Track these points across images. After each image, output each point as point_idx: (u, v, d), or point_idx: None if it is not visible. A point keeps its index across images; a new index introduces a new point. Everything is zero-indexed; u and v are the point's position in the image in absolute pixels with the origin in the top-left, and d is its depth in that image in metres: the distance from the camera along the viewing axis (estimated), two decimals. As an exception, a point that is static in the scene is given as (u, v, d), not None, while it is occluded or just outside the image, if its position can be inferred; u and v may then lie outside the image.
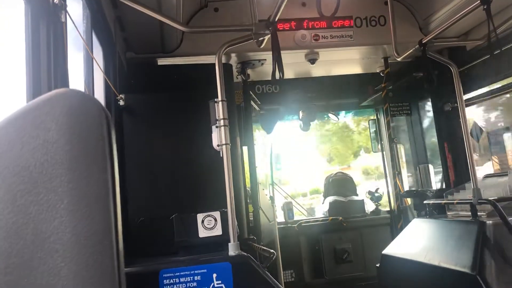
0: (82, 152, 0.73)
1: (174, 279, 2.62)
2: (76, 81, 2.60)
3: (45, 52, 1.50)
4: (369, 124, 6.41)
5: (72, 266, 0.70)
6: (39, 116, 0.73)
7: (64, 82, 1.56)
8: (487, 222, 3.11)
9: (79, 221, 0.69)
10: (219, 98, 2.92)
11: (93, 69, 2.74)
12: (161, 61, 4.20)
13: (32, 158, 0.72)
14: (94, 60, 2.61)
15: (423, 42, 3.92)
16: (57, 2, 1.66)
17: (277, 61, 3.07)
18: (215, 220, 2.97)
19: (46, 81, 1.46)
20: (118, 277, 0.76)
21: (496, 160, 4.71)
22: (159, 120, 3.63)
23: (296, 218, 6.07)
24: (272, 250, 3.25)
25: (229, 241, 2.76)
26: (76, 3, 2.55)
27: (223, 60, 3.14)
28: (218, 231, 2.95)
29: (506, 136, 4.59)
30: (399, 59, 4.21)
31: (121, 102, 3.43)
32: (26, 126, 0.73)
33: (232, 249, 2.74)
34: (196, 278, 2.65)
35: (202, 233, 2.95)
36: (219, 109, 2.92)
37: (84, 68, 2.67)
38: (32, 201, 0.70)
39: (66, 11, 1.77)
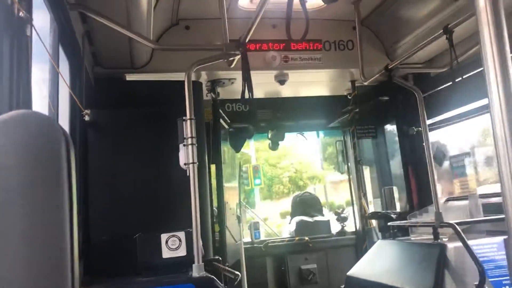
0: (39, 178, 0.70)
1: (135, 302, 2.55)
2: (40, 95, 2.53)
3: (8, 67, 1.45)
4: (336, 145, 6.49)
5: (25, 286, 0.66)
6: (-4, 138, 0.70)
7: (27, 98, 1.51)
8: (448, 245, 3.18)
9: (34, 248, 0.66)
10: (188, 116, 2.90)
11: (59, 83, 2.67)
12: (130, 77, 4.15)
13: (-14, 182, 0.69)
14: (59, 74, 2.55)
15: (389, 67, 4.03)
16: (22, 16, 1.61)
17: (247, 81, 3.09)
18: (180, 240, 2.92)
19: (8, 97, 1.41)
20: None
21: (458, 184, 4.84)
22: (125, 137, 3.57)
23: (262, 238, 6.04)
24: (237, 272, 3.22)
25: (193, 262, 2.72)
26: (42, 15, 2.49)
27: (193, 78, 3.14)
28: (182, 251, 2.90)
29: (467, 160, 4.73)
30: (365, 83, 4.31)
31: (87, 118, 3.36)
32: (-19, 148, 0.70)
33: (196, 271, 2.70)
34: (158, 300, 2.59)
35: (166, 253, 2.89)
36: (187, 128, 2.89)
37: (49, 83, 2.61)
38: (-17, 229, 0.67)
39: (31, 25, 1.73)
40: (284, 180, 21.33)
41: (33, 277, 0.65)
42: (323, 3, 4.21)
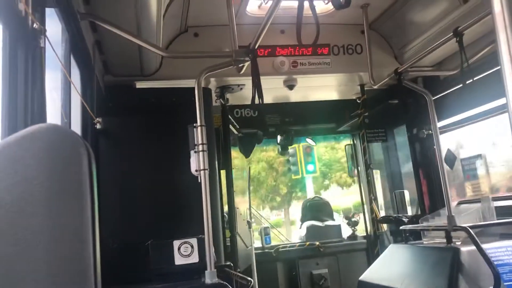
0: (62, 189, 0.71)
1: (148, 309, 2.56)
2: (52, 104, 2.56)
3: (23, 80, 1.47)
4: (345, 149, 6.48)
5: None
6: (18, 152, 0.70)
7: (41, 110, 1.53)
8: (462, 248, 3.15)
9: (57, 262, 0.67)
10: (198, 123, 2.92)
11: (71, 92, 2.70)
12: (140, 84, 4.18)
13: (9, 195, 0.70)
14: (71, 84, 2.58)
15: (398, 71, 4.02)
16: (36, 27, 1.64)
17: (257, 87, 3.10)
18: (192, 247, 2.93)
19: (23, 109, 1.43)
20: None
21: (470, 187, 4.81)
22: (136, 144, 3.59)
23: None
24: (249, 278, 3.21)
25: (206, 269, 2.72)
26: (53, 27, 2.52)
27: (203, 85, 3.15)
28: (194, 258, 2.91)
29: (479, 163, 4.70)
30: (375, 87, 4.31)
31: (98, 126, 3.39)
32: (3, 162, 0.71)
33: (209, 277, 2.70)
34: (171, 307, 2.60)
35: (179, 260, 2.90)
36: (198, 134, 2.91)
37: (62, 92, 2.64)
38: (7, 242, 0.68)
39: (45, 36, 1.75)
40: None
41: (56, 289, 0.66)
42: (331, 8, 4.25)
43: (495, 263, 2.96)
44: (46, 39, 1.77)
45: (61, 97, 2.65)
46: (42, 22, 1.74)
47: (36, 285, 0.66)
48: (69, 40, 2.66)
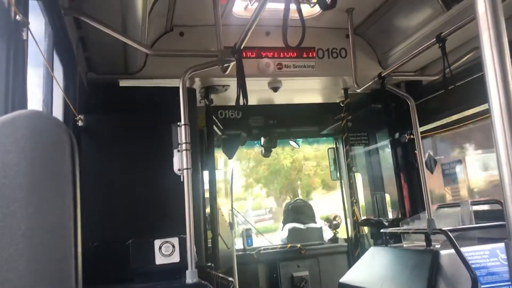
0: (44, 176, 0.69)
1: (128, 308, 2.53)
2: (34, 100, 2.52)
3: (4, 72, 1.44)
4: (328, 153, 6.52)
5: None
6: (-1, 138, 0.69)
7: (23, 101, 1.51)
8: (441, 251, 3.19)
9: (37, 249, 0.65)
10: (182, 122, 2.90)
11: (53, 88, 2.66)
12: (123, 83, 4.14)
13: (-11, 182, 0.68)
14: (54, 79, 2.54)
15: (381, 75, 4.07)
16: (19, 19, 1.61)
17: (242, 87, 3.10)
18: (173, 246, 2.90)
19: (3, 100, 1.41)
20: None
21: (449, 191, 4.88)
22: (119, 142, 3.56)
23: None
24: (230, 278, 3.20)
25: (187, 269, 2.70)
26: (37, 21, 2.49)
27: (187, 84, 3.14)
28: (175, 258, 2.88)
29: (459, 168, 4.78)
30: (358, 91, 4.34)
31: (80, 123, 3.34)
32: (-17, 148, 0.69)
33: (190, 277, 2.68)
34: (151, 306, 2.57)
35: (159, 260, 2.87)
36: (182, 133, 2.89)
37: (43, 87, 2.60)
38: (-14, 228, 0.66)
39: (28, 28, 1.72)
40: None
41: (37, 277, 0.64)
42: (317, 12, 4.28)
43: (473, 266, 3.01)
44: (29, 32, 1.75)
45: (43, 93, 2.61)
46: (25, 14, 1.71)
47: (16, 272, 0.64)
48: (52, 35, 2.62)
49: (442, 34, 3.35)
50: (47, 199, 0.68)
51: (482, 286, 3.02)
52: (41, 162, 0.69)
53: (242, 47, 3.09)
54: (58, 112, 3.05)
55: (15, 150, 0.68)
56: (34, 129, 0.69)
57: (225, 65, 3.15)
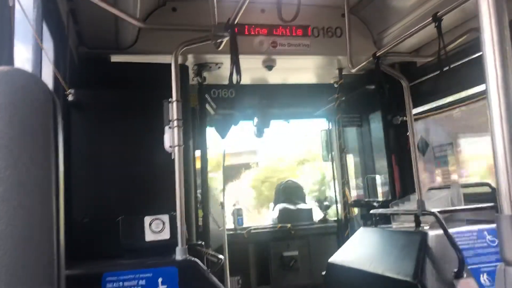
0: (24, 137, 0.66)
1: (117, 283, 2.53)
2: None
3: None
4: (321, 134, 6.51)
5: (5, 264, 0.63)
6: (-22, 96, 0.66)
7: (10, 63, 1.46)
8: (429, 232, 3.22)
9: (16, 211, 0.62)
10: (174, 98, 2.87)
11: (42, 61, 2.61)
12: (115, 58, 4.07)
13: (-34, 141, 0.65)
14: (43, 50, 2.48)
15: (376, 55, 4.03)
16: (5, -15, 1.56)
17: (235, 64, 3.06)
18: (163, 223, 2.90)
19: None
20: (57, 279, 0.70)
21: (440, 174, 4.91)
22: (109, 118, 3.52)
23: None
24: (220, 256, 3.21)
25: (177, 246, 2.70)
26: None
27: (180, 61, 3.09)
28: (166, 235, 2.88)
29: (450, 151, 4.79)
30: (353, 71, 4.31)
31: (70, 97, 3.29)
32: (-37, 106, 0.66)
33: (180, 254, 2.69)
34: (140, 282, 2.57)
35: (149, 236, 2.87)
36: (173, 110, 2.86)
37: (32, 60, 2.54)
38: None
39: (14, -4, 1.67)
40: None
41: (13, 242, 0.62)
42: (313, -11, 4.22)
43: (461, 247, 3.04)
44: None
45: (32, 65, 2.55)
46: (12, -20, 1.66)
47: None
48: (41, 6, 2.56)
49: (439, 14, 3.32)
50: (26, 161, 0.65)
51: (469, 267, 3.06)
52: (22, 123, 0.65)
53: (236, 23, 3.03)
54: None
55: (-6, 108, 0.65)
56: (14, 86, 0.65)
57: (219, 40, 3.10)
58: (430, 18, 3.35)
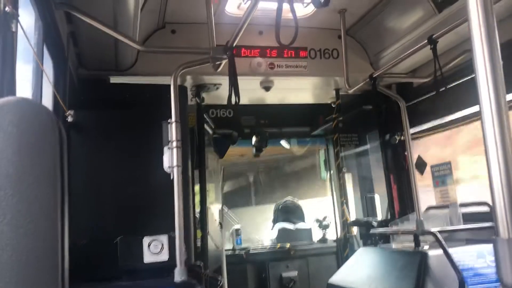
0: (31, 165, 0.67)
1: (115, 306, 2.51)
2: (23, 94, 2.49)
3: (-8, 60, 1.42)
4: (318, 153, 6.53)
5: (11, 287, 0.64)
6: (-15, 125, 0.67)
7: (11, 92, 1.48)
8: (429, 252, 3.21)
9: (22, 238, 0.63)
10: (173, 119, 2.89)
11: (42, 82, 2.63)
12: (114, 79, 4.11)
13: (-25, 169, 0.66)
14: (44, 73, 2.51)
15: (373, 76, 4.08)
16: (8, 10, 1.59)
17: (234, 85, 3.10)
18: (162, 244, 2.89)
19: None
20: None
21: (439, 193, 4.91)
22: (108, 139, 3.53)
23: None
24: (219, 277, 3.19)
25: (176, 267, 2.69)
26: (28, 14, 2.46)
27: (178, 82, 3.12)
28: (164, 256, 2.87)
29: (448, 170, 4.80)
30: (350, 92, 4.35)
31: (70, 119, 3.31)
32: (-31, 135, 0.67)
33: (179, 275, 2.67)
34: (139, 304, 2.55)
35: (148, 257, 2.86)
36: (172, 130, 2.88)
37: (33, 81, 2.57)
38: (-29, 215, 0.64)
39: (17, 20, 1.70)
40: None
41: (19, 267, 0.63)
42: (309, 12, 4.28)
43: (461, 267, 3.03)
44: (19, 24, 1.72)
45: (32, 87, 2.58)
46: (15, 6, 1.69)
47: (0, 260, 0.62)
48: (42, 29, 2.59)
49: (434, 36, 3.37)
50: (33, 188, 0.66)
51: (469, 287, 3.05)
52: (29, 150, 0.67)
53: (234, 45, 3.08)
54: (47, 107, 3.01)
55: (1, 137, 0.66)
56: (22, 116, 0.67)
57: (217, 62, 3.14)
58: (426, 41, 3.40)
